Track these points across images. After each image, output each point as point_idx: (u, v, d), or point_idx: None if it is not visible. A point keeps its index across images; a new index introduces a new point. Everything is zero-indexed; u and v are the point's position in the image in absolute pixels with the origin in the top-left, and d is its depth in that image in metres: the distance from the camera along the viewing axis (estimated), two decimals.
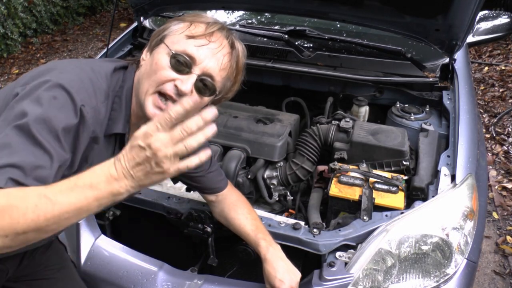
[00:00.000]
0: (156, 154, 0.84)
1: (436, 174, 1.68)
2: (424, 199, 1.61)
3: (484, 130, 4.02)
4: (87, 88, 1.05)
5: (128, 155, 0.86)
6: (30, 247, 1.29)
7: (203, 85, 1.13)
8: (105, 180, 0.85)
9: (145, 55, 1.19)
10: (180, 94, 1.10)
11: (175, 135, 0.84)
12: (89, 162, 1.11)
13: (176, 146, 0.85)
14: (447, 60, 2.19)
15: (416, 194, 1.67)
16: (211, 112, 0.84)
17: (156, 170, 0.86)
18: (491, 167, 3.58)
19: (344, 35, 2.50)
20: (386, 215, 1.52)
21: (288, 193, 1.95)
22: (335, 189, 1.68)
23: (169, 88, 1.10)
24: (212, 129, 0.86)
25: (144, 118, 1.16)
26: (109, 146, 1.17)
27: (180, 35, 1.13)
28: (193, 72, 1.11)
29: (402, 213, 1.52)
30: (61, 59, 6.23)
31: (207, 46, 1.12)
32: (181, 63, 1.10)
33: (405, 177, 1.73)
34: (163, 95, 1.11)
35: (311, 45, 2.45)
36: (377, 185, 1.66)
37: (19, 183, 0.86)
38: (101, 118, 1.09)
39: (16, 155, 0.89)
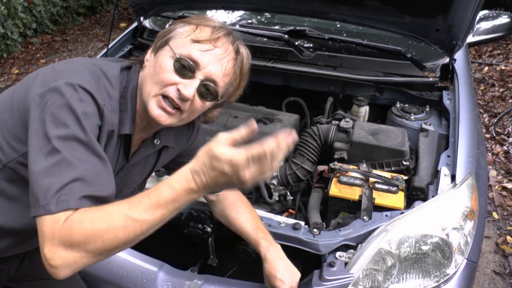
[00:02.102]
0: (242, 181, 0.88)
1: (436, 174, 1.68)
2: (424, 199, 1.61)
3: (484, 130, 4.02)
4: (102, 91, 1.06)
5: (210, 173, 0.88)
6: (30, 247, 1.29)
7: (206, 90, 1.13)
8: (186, 193, 0.90)
9: (149, 55, 1.18)
10: (182, 98, 1.10)
11: (264, 168, 0.87)
12: None
13: (263, 174, 0.88)
14: (447, 60, 2.19)
15: (416, 194, 1.67)
16: (294, 138, 0.87)
17: (236, 184, 0.90)
18: (491, 167, 3.58)
19: (344, 35, 2.51)
20: (386, 215, 1.52)
21: (288, 193, 1.95)
22: (335, 189, 1.68)
23: (171, 92, 1.10)
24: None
25: (148, 119, 1.15)
26: (116, 148, 1.17)
27: (185, 38, 1.12)
28: (196, 76, 1.11)
29: (402, 213, 1.52)
30: (61, 59, 6.21)
31: (212, 51, 1.11)
32: (185, 67, 1.09)
33: (405, 177, 1.73)
34: (165, 96, 1.11)
35: (311, 45, 2.45)
36: (377, 185, 1.66)
37: (88, 197, 0.92)
38: (116, 121, 1.10)
39: (75, 167, 0.93)
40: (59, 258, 0.88)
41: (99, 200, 0.95)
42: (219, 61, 1.12)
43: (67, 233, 0.88)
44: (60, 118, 0.96)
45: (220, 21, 1.20)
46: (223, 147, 0.87)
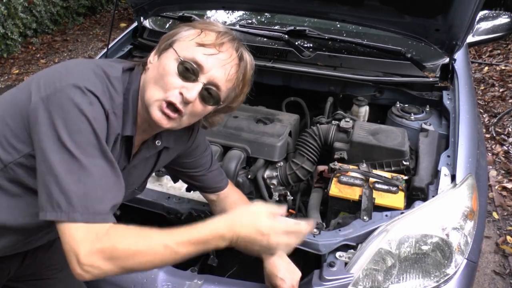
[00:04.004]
0: (270, 246, 1.08)
1: (436, 174, 1.68)
2: (424, 199, 1.61)
3: (484, 130, 4.02)
4: (105, 93, 1.06)
5: (245, 237, 1.05)
6: (31, 245, 1.29)
7: (208, 94, 1.13)
8: (217, 239, 1.03)
9: (152, 58, 1.17)
10: (185, 102, 1.09)
11: (289, 242, 1.12)
12: None
13: (288, 246, 1.13)
14: (447, 60, 2.19)
15: (416, 194, 1.67)
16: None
17: (265, 247, 1.09)
18: (491, 167, 3.58)
19: (344, 35, 2.51)
20: (386, 215, 1.52)
21: (288, 193, 1.95)
22: (335, 189, 1.68)
23: (174, 97, 1.09)
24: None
25: (149, 121, 1.15)
26: (119, 150, 1.17)
27: (190, 41, 1.12)
28: (199, 80, 1.10)
29: (402, 213, 1.52)
30: (61, 59, 6.18)
31: (216, 55, 1.11)
32: (189, 71, 1.09)
33: (405, 177, 1.73)
34: (168, 102, 1.10)
35: (311, 45, 2.45)
36: (377, 185, 1.67)
37: (112, 208, 1.00)
38: (120, 123, 1.11)
39: (93, 175, 0.97)
40: (96, 267, 0.94)
41: (115, 207, 1.01)
42: (222, 66, 1.12)
43: (110, 247, 0.95)
44: (73, 123, 0.96)
45: (225, 26, 1.19)
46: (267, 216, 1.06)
